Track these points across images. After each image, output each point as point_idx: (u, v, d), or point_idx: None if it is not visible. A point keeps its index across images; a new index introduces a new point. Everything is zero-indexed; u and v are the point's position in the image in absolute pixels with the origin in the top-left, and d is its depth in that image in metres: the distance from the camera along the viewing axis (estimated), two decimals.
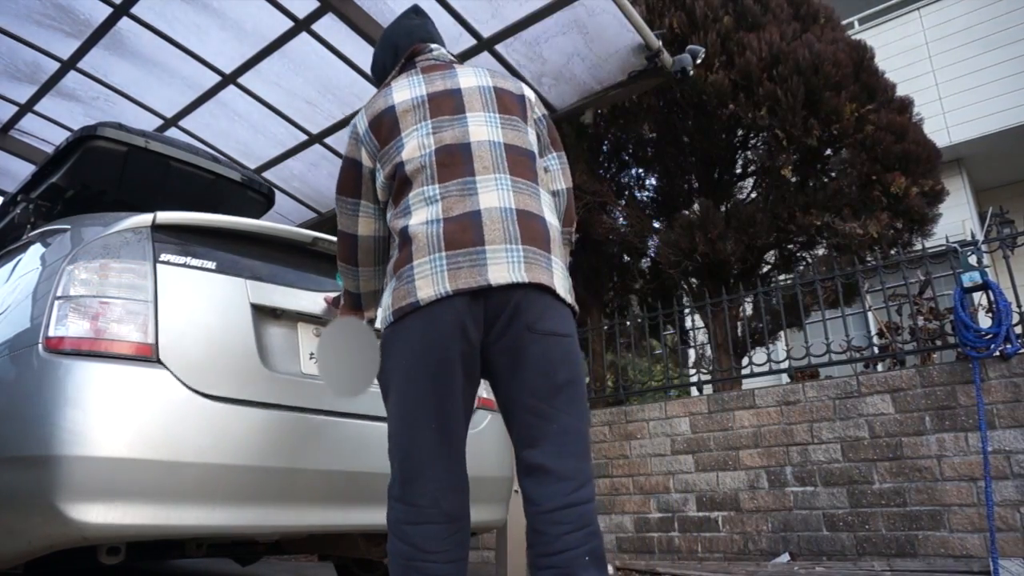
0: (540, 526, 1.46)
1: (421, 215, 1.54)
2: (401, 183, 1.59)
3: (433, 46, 1.86)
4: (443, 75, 1.74)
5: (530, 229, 1.56)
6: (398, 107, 1.66)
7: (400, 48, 1.84)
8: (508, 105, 1.71)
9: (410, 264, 1.52)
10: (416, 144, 1.60)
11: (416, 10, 1.94)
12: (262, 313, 2.04)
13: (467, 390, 1.55)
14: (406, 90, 1.70)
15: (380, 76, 1.88)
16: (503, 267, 1.49)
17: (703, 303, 4.51)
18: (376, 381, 1.62)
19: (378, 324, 1.60)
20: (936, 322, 3.86)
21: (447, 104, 1.66)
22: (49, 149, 4.62)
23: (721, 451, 3.92)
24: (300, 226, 3.46)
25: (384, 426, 1.59)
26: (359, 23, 3.66)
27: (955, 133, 7.46)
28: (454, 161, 1.58)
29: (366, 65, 2.40)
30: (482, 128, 1.64)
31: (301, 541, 2.39)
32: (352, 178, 1.71)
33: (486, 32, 3.81)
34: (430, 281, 1.49)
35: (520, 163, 1.64)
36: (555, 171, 1.83)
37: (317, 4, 3.66)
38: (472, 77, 1.74)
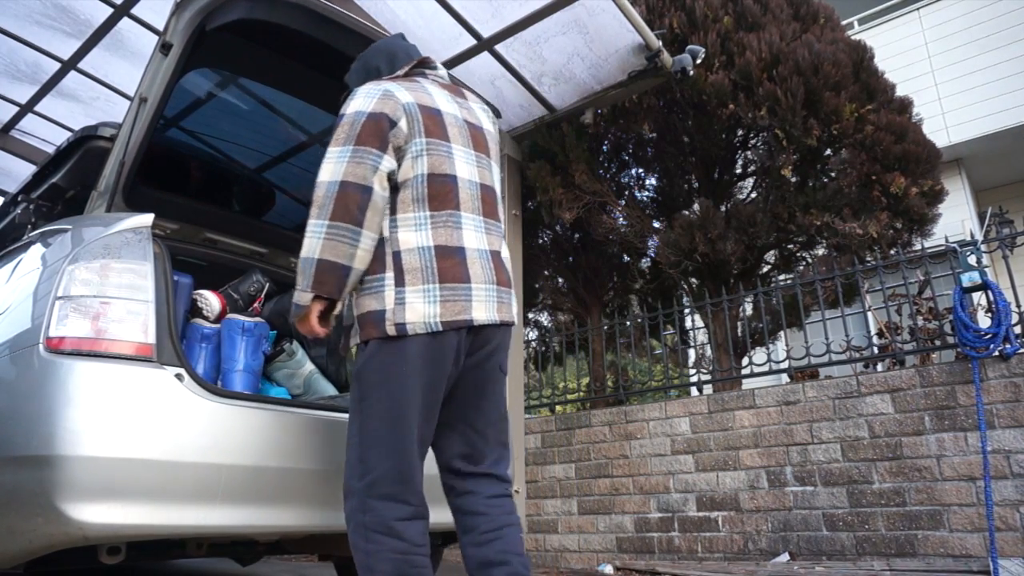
0: (483, 509, 1.67)
1: (474, 242, 1.68)
2: (449, 196, 1.65)
3: (439, 65, 1.93)
4: (460, 102, 1.83)
5: (503, 270, 1.76)
6: (445, 115, 1.73)
7: (399, 55, 1.86)
8: (495, 150, 1.89)
9: (467, 285, 1.62)
10: (467, 168, 1.72)
11: (403, 36, 1.98)
12: None
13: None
14: (444, 101, 1.76)
15: (365, 78, 1.81)
16: (503, 307, 1.71)
17: (703, 303, 4.52)
18: (355, 369, 1.63)
19: (413, 327, 1.54)
20: (936, 322, 3.86)
21: (477, 139, 1.79)
22: (49, 149, 4.63)
23: (721, 451, 3.93)
24: None
25: None
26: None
27: (955, 133, 7.46)
28: (488, 200, 1.77)
29: None
30: (492, 175, 1.83)
31: (301, 541, 2.40)
32: (381, 131, 1.58)
33: (486, 32, 3.81)
34: (484, 307, 1.65)
35: (499, 206, 1.83)
36: None
37: None
38: (480, 114, 1.87)
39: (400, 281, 1.57)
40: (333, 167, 1.56)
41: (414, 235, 1.60)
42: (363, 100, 1.61)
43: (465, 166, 1.71)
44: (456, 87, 1.88)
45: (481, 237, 1.70)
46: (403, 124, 1.61)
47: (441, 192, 1.64)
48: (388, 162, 1.59)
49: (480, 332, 1.67)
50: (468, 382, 1.69)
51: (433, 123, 1.67)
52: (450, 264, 1.60)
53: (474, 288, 1.62)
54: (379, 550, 1.49)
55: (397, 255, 1.59)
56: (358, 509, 1.53)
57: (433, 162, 1.64)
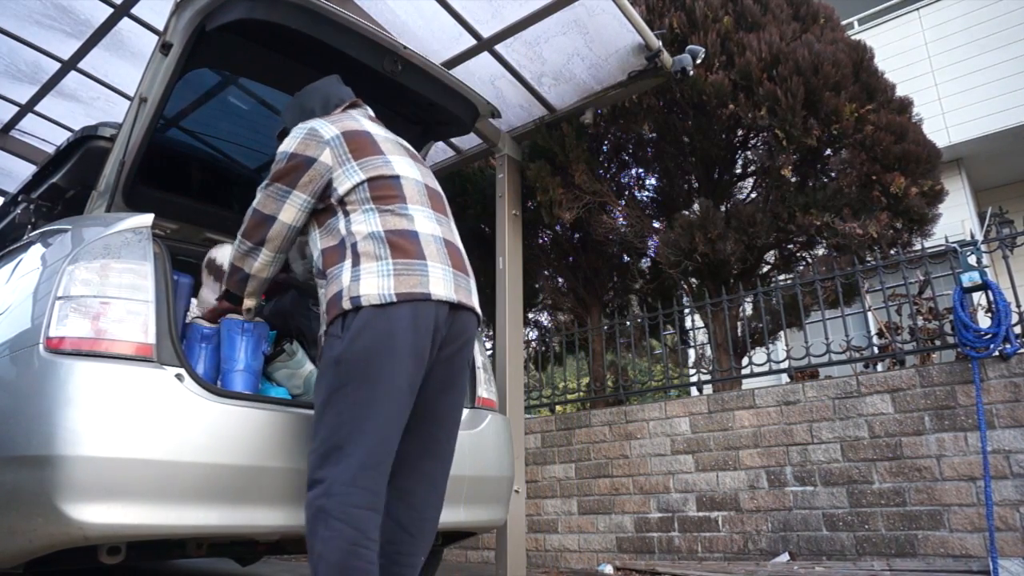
0: (413, 529, 1.72)
1: (426, 228, 1.78)
2: (393, 192, 1.80)
3: (365, 106, 2.14)
4: (387, 130, 2.04)
5: (467, 263, 1.89)
6: (375, 135, 1.91)
7: (332, 97, 2.05)
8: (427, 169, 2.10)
9: (422, 261, 1.70)
10: (408, 169, 1.89)
11: (339, 79, 2.15)
12: None
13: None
14: (373, 126, 1.96)
15: (300, 118, 2.00)
16: (471, 295, 1.82)
17: (703, 303, 4.52)
18: (330, 356, 1.65)
19: (368, 299, 1.63)
20: (936, 322, 3.86)
21: (411, 154, 1.99)
22: (50, 149, 4.63)
23: (721, 451, 3.93)
24: None
25: None
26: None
27: (955, 133, 7.46)
28: (435, 197, 1.93)
29: None
30: (432, 180, 2.00)
31: (301, 541, 2.39)
32: (298, 171, 1.80)
33: (486, 32, 3.81)
34: (442, 284, 1.71)
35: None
36: None
37: None
38: (403, 143, 2.06)
39: (356, 263, 1.67)
40: (258, 195, 1.87)
41: (365, 226, 1.72)
42: (289, 141, 1.85)
43: (407, 168, 1.89)
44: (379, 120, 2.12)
45: (433, 225, 1.83)
46: (325, 158, 1.80)
47: (385, 189, 1.79)
48: (297, 198, 1.81)
49: (455, 322, 1.75)
50: (440, 371, 1.76)
51: (364, 142, 1.85)
52: (402, 243, 1.71)
53: (430, 265, 1.72)
54: (334, 536, 1.48)
55: (354, 245, 1.70)
56: (323, 494, 1.53)
57: (371, 171, 1.80)
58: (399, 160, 1.89)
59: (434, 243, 1.77)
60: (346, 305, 1.63)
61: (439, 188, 2.01)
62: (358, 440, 1.55)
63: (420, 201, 1.85)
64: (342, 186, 1.77)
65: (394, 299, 1.62)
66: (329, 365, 1.63)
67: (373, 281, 1.63)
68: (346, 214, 1.76)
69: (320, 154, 1.79)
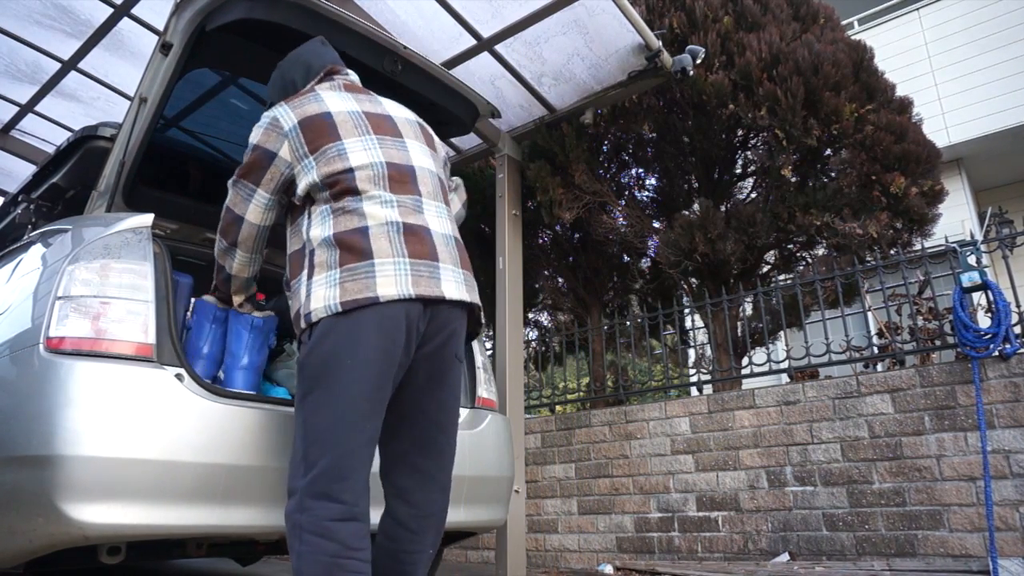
0: (414, 526, 1.68)
1: (379, 218, 1.66)
2: (346, 186, 1.68)
3: (348, 70, 2.02)
4: (369, 99, 1.90)
5: (462, 254, 1.80)
6: (335, 115, 1.76)
7: (314, 66, 1.95)
8: (428, 138, 1.95)
9: (369, 261, 1.60)
10: (365, 153, 1.72)
11: (323, 41, 2.04)
12: None
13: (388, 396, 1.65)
14: (338, 101, 1.81)
15: (284, 92, 1.93)
16: (452, 285, 1.69)
17: (703, 303, 4.52)
18: (299, 367, 1.63)
19: (316, 314, 1.60)
20: (936, 322, 3.86)
21: (385, 126, 1.82)
22: (50, 149, 4.63)
23: (721, 451, 3.93)
24: None
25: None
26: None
27: (954, 133, 7.46)
28: (404, 179, 1.74)
29: None
30: (421, 157, 1.83)
31: None
32: (261, 167, 1.75)
33: (486, 32, 3.81)
34: (393, 281, 1.60)
35: (443, 192, 1.88)
36: (461, 190, 2.21)
37: None
38: (397, 107, 1.94)
39: (311, 275, 1.64)
40: (229, 190, 1.83)
41: (319, 229, 1.67)
42: (255, 131, 1.78)
43: (363, 153, 1.72)
44: (361, 87, 1.98)
45: (390, 211, 1.68)
46: (284, 153, 1.73)
47: (338, 184, 1.68)
48: (261, 196, 1.78)
49: (445, 311, 1.68)
50: (424, 368, 1.70)
51: (321, 129, 1.73)
52: (349, 244, 1.62)
53: (378, 263, 1.60)
54: (309, 551, 1.44)
55: (312, 253, 1.66)
56: (296, 509, 1.49)
57: (325, 165, 1.69)
58: (356, 144, 1.72)
59: (386, 236, 1.63)
60: (302, 324, 1.62)
61: (412, 160, 1.80)
62: (324, 450, 1.50)
63: (378, 185, 1.69)
64: (301, 184, 1.70)
65: (339, 309, 1.55)
66: (298, 371, 1.62)
67: (320, 294, 1.59)
68: (309, 216, 1.71)
69: (280, 148, 1.73)
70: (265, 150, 1.74)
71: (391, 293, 1.58)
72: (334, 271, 1.60)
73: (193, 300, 2.12)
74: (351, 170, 1.69)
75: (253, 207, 1.79)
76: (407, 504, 1.70)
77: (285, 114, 1.75)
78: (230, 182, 1.82)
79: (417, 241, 1.67)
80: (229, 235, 1.85)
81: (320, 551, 1.44)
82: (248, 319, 2.12)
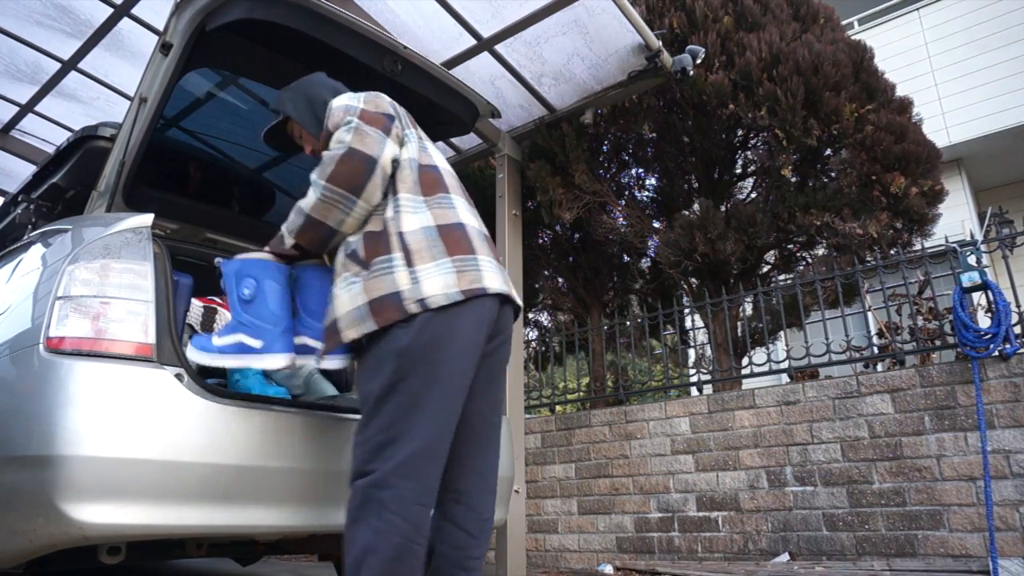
0: (476, 530, 1.66)
1: (467, 219, 1.74)
2: (437, 181, 1.76)
3: None
4: None
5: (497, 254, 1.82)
6: (403, 115, 1.84)
7: (342, 92, 1.94)
8: None
9: (473, 256, 1.66)
10: (436, 152, 1.85)
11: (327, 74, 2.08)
12: None
13: None
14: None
15: (311, 111, 1.90)
16: (512, 290, 1.74)
17: (703, 303, 4.52)
18: (392, 348, 1.56)
19: (435, 300, 1.56)
20: (936, 322, 3.86)
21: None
22: (50, 149, 4.63)
23: (721, 451, 3.93)
24: None
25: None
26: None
27: (955, 133, 7.46)
28: (459, 183, 1.88)
29: None
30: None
31: (301, 541, 2.40)
32: (363, 173, 1.65)
33: (486, 32, 3.81)
34: (492, 276, 1.67)
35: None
36: None
37: None
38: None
39: (410, 261, 1.60)
40: (346, 135, 1.67)
41: (415, 217, 1.66)
42: (352, 99, 1.75)
43: (441, 160, 1.85)
44: None
45: (473, 218, 1.79)
46: (398, 119, 1.77)
47: (430, 178, 1.74)
48: (391, 147, 1.70)
49: (501, 316, 1.71)
50: (485, 367, 1.72)
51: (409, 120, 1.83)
52: (455, 238, 1.66)
53: (480, 259, 1.67)
54: (388, 529, 1.43)
55: (401, 235, 1.63)
56: (375, 484, 1.47)
57: (420, 153, 1.76)
58: (431, 147, 1.85)
59: (477, 236, 1.73)
60: (413, 309, 1.55)
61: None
62: (416, 434, 1.50)
63: (459, 192, 1.80)
64: (405, 155, 1.72)
65: (460, 297, 1.57)
66: (389, 357, 1.55)
67: (436, 281, 1.57)
68: (395, 203, 1.67)
69: (394, 112, 1.77)
70: (368, 155, 1.67)
71: (495, 286, 1.65)
72: (444, 260, 1.61)
73: (292, 269, 1.90)
74: (437, 168, 1.78)
75: (350, 221, 1.68)
76: (467, 508, 1.67)
77: (381, 100, 1.79)
78: (344, 128, 1.68)
79: (490, 245, 1.78)
80: (310, 239, 1.74)
81: (397, 530, 1.43)
82: (323, 269, 1.90)
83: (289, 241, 1.80)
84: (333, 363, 1.79)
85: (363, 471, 1.51)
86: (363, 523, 1.46)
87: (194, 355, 1.78)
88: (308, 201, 1.70)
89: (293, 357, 1.81)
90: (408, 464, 1.48)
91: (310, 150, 1.99)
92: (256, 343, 1.78)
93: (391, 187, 1.69)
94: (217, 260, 1.88)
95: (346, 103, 1.73)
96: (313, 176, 1.69)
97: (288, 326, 1.83)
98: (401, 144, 1.74)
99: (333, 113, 1.74)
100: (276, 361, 1.79)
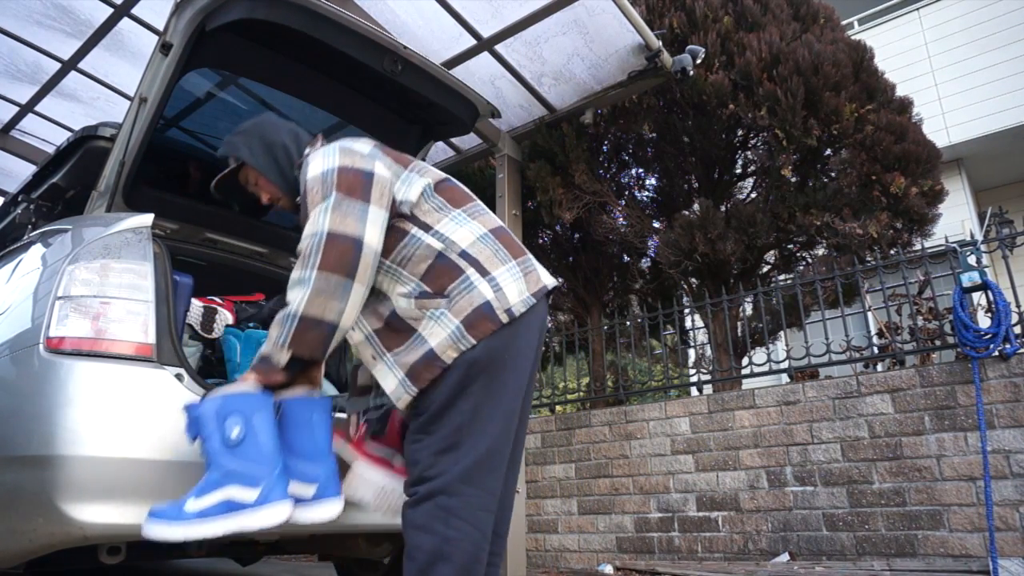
0: (501, 531, 1.65)
1: (492, 224, 1.69)
2: (461, 195, 1.70)
3: None
4: None
5: None
6: (388, 156, 1.72)
7: (301, 137, 1.89)
8: None
9: (525, 256, 1.66)
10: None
11: (288, 119, 2.01)
12: None
13: None
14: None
15: (270, 158, 1.84)
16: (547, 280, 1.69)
17: (703, 303, 4.52)
18: (459, 364, 1.49)
19: (516, 308, 1.52)
20: (936, 322, 3.86)
21: None
22: (50, 149, 4.63)
23: (721, 451, 3.93)
24: None
25: None
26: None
27: (954, 133, 7.46)
28: None
29: None
30: None
31: (301, 541, 2.40)
32: (350, 252, 1.49)
33: (486, 32, 3.82)
34: (543, 269, 1.67)
35: None
36: None
37: None
38: None
39: (483, 271, 1.55)
40: (323, 216, 1.51)
41: (465, 230, 1.60)
42: (325, 161, 1.59)
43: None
44: None
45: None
46: (381, 170, 1.60)
47: (453, 192, 1.69)
48: (377, 213, 1.55)
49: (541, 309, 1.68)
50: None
51: (398, 154, 1.73)
52: (507, 240, 1.65)
53: (530, 256, 1.68)
54: (460, 537, 1.41)
55: (463, 253, 1.56)
56: (441, 491, 1.43)
57: (428, 177, 1.67)
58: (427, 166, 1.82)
59: (513, 239, 1.70)
60: (504, 318, 1.50)
61: None
62: (480, 440, 1.48)
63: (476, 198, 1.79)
64: (407, 196, 1.60)
65: (533, 301, 1.56)
66: (458, 365, 1.48)
67: (513, 287, 1.54)
68: (426, 227, 1.58)
69: (373, 166, 1.59)
70: (367, 171, 1.58)
71: (549, 281, 1.64)
72: (511, 263, 1.59)
73: (279, 401, 1.62)
74: (448, 179, 1.75)
75: (371, 227, 1.52)
76: (499, 508, 1.64)
77: (352, 142, 1.67)
78: (322, 208, 1.52)
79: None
80: (337, 263, 1.47)
81: (468, 538, 1.42)
82: (313, 402, 1.69)
83: (283, 357, 1.51)
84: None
85: (424, 477, 1.47)
86: (429, 531, 1.42)
87: (160, 531, 1.41)
88: (297, 302, 1.48)
89: (292, 505, 1.52)
90: (473, 470, 1.46)
91: (267, 198, 1.89)
92: (250, 495, 1.46)
93: (422, 225, 1.59)
94: (184, 405, 1.59)
95: (321, 171, 1.56)
96: (295, 275, 1.50)
97: (284, 466, 1.54)
98: (393, 195, 1.60)
99: (309, 188, 1.57)
100: (277, 514, 1.47)
